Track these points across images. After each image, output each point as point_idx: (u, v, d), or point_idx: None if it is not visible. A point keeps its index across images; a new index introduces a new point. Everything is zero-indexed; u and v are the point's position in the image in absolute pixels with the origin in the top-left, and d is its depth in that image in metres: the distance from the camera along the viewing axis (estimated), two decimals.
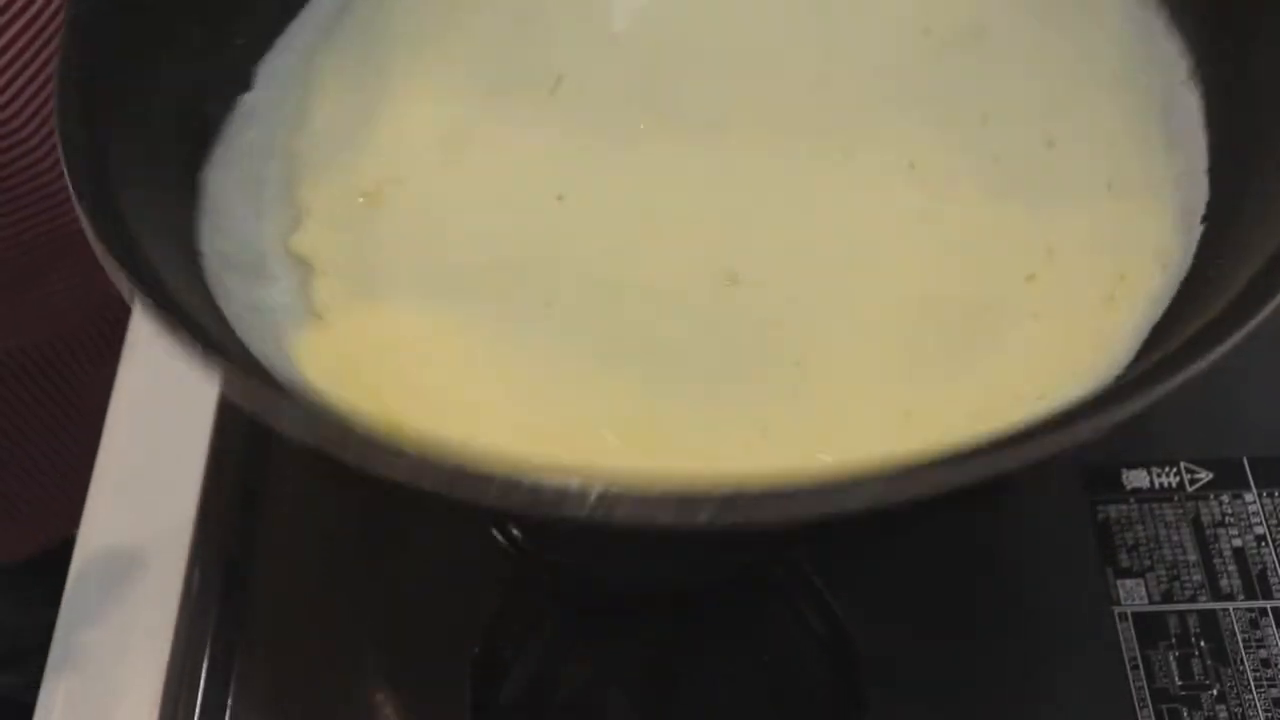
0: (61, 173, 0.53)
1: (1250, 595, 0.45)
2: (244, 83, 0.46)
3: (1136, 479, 0.48)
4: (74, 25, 0.40)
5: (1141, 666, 0.44)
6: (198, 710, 0.46)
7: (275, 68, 0.47)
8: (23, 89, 0.51)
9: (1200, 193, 0.41)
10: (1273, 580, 0.45)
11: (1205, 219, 0.40)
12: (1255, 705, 0.43)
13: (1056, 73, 0.46)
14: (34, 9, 0.50)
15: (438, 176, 0.46)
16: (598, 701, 0.45)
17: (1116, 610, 0.45)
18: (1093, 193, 0.43)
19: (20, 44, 0.50)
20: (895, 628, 0.45)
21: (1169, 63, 0.45)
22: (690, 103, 0.47)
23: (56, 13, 0.51)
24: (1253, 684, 0.43)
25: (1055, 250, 0.42)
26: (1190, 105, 0.43)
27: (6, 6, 0.49)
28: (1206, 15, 0.44)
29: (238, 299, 0.41)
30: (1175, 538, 0.47)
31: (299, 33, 0.49)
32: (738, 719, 0.45)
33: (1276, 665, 0.44)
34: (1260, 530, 0.46)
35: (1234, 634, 0.44)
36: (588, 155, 0.46)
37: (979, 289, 0.41)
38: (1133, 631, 0.45)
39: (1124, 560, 0.46)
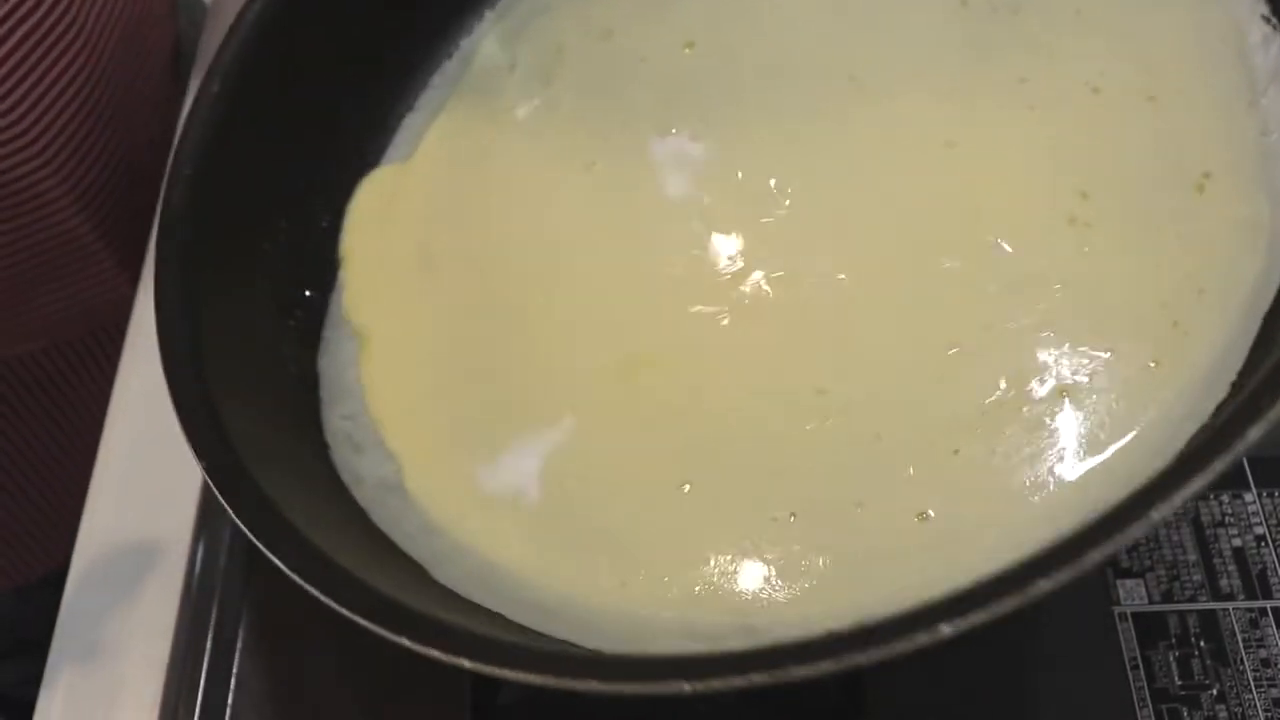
0: (52, 175, 0.54)
1: (1250, 595, 0.45)
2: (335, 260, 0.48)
3: None
4: (163, 264, 0.42)
5: (1141, 666, 0.44)
6: (198, 710, 0.46)
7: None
8: (25, 95, 0.51)
9: None
10: (1272, 580, 0.45)
11: None
12: (1255, 705, 0.43)
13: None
14: (37, 16, 0.50)
15: None
16: (596, 700, 0.45)
17: (1116, 610, 0.45)
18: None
19: (22, 51, 0.50)
20: None
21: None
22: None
23: (59, 20, 0.51)
24: (1253, 684, 0.43)
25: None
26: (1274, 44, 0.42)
27: (9, 14, 0.49)
28: None
29: (368, 481, 0.43)
30: (1175, 538, 0.47)
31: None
32: (737, 718, 0.45)
33: (1276, 665, 0.44)
34: (1260, 530, 0.46)
35: (1234, 634, 0.44)
36: None
37: None
38: (1133, 631, 0.45)
39: (1124, 560, 0.46)
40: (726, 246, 0.45)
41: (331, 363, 0.46)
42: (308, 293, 0.47)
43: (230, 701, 0.46)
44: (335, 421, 0.45)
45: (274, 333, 0.45)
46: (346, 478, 0.43)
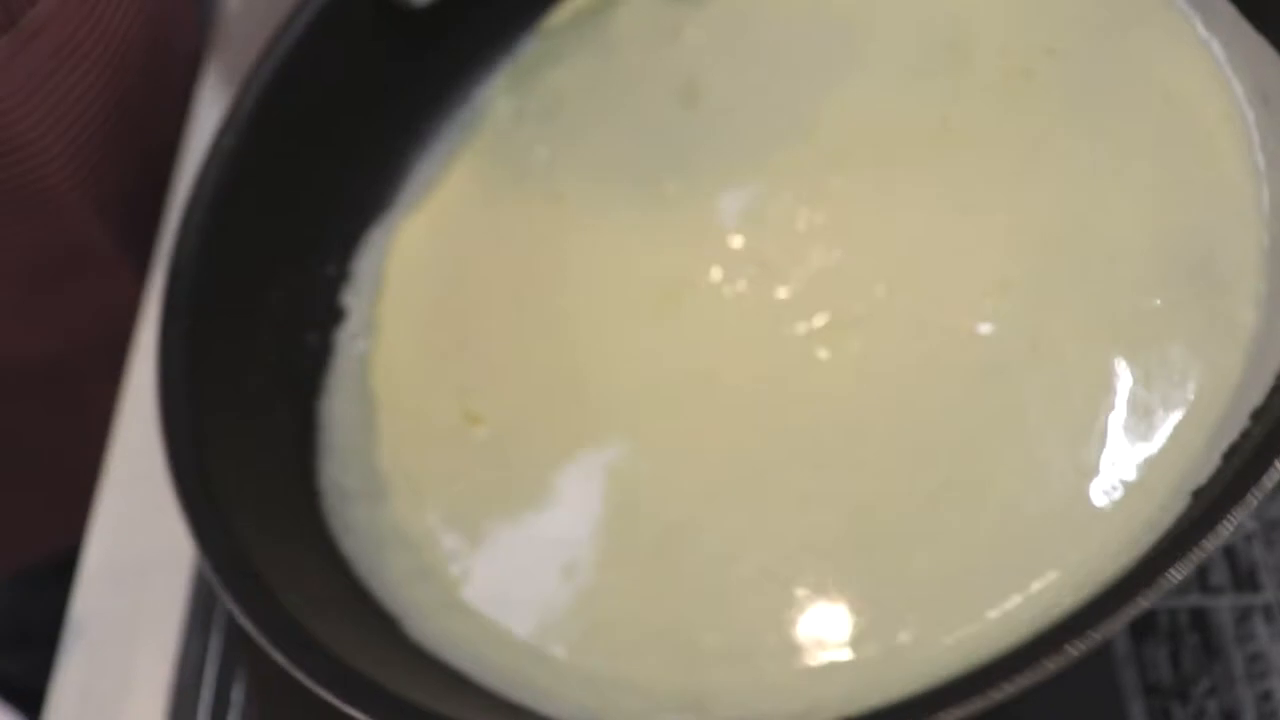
0: (74, 186, 0.54)
1: (1240, 590, 0.46)
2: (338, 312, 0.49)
3: None
4: (169, 329, 0.43)
5: (1133, 661, 0.44)
6: (207, 704, 0.46)
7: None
8: (41, 102, 0.51)
9: None
10: (1262, 576, 0.46)
11: None
12: (1246, 698, 0.43)
13: None
14: (55, 25, 0.50)
15: None
16: None
17: None
18: None
19: (39, 60, 0.50)
20: None
21: None
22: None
23: (77, 29, 0.51)
24: (1243, 678, 0.44)
25: None
26: None
27: (28, 25, 0.48)
28: None
29: (359, 532, 0.44)
30: None
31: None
32: None
33: (1266, 659, 0.44)
34: (1250, 526, 0.47)
35: (1224, 629, 0.45)
36: None
37: None
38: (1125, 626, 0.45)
39: None
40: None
41: (332, 412, 0.47)
42: (308, 337, 0.48)
43: (239, 696, 0.46)
44: (332, 470, 0.45)
45: (270, 380, 0.46)
46: (335, 526, 0.44)
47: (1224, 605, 0.45)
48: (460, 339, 0.47)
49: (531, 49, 0.53)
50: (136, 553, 0.49)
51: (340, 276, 0.49)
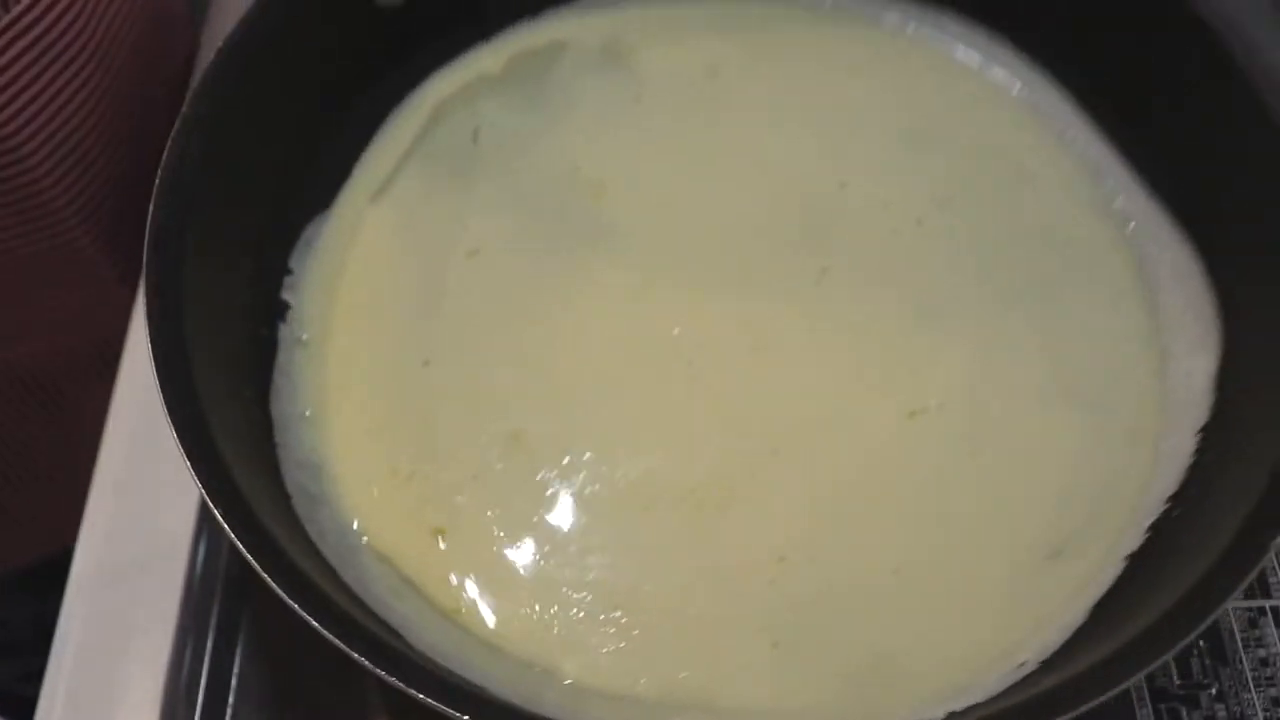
0: (63, 190, 0.54)
1: (1249, 594, 0.45)
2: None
3: None
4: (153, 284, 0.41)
5: None
6: (198, 710, 0.46)
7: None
8: (26, 105, 0.50)
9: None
10: (1271, 580, 0.46)
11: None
12: (1254, 704, 0.43)
13: None
14: (40, 28, 0.49)
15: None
16: None
17: None
18: None
19: (24, 61, 0.49)
20: None
21: None
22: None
23: (65, 31, 0.50)
24: (1251, 683, 0.44)
25: None
26: None
27: (10, 25, 0.48)
28: None
29: (330, 537, 0.43)
30: None
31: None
32: None
33: (1274, 664, 0.44)
34: None
35: (1232, 633, 0.45)
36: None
37: None
38: None
39: None
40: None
41: (281, 410, 0.46)
42: (262, 331, 0.47)
43: (230, 701, 0.46)
44: (291, 471, 0.44)
45: (234, 376, 0.45)
46: (311, 531, 0.42)
47: (1233, 609, 0.45)
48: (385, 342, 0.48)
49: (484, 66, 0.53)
50: (127, 557, 0.48)
51: (285, 271, 0.48)
